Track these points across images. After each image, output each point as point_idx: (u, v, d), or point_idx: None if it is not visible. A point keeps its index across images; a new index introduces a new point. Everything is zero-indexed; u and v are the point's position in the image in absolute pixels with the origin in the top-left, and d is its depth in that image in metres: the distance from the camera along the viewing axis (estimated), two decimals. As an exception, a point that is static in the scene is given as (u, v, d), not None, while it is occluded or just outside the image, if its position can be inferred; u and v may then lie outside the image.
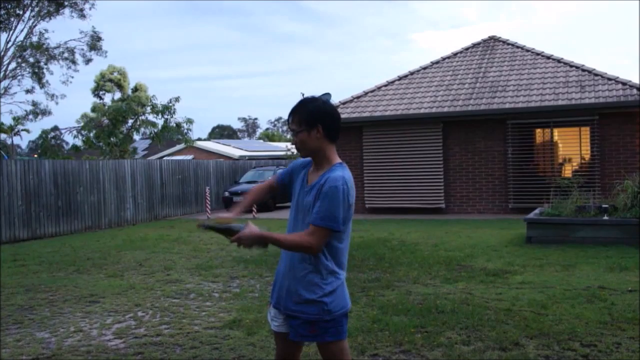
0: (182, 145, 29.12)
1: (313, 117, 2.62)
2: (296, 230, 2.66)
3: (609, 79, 14.99)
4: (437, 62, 18.42)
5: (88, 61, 30.22)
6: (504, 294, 6.17)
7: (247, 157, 30.71)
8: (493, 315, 5.34)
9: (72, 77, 36.58)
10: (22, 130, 38.26)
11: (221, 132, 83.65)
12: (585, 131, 14.80)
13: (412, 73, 18.20)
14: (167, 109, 21.67)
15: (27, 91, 30.68)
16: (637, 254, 8.11)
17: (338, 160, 2.69)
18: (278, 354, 2.88)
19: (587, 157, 14.86)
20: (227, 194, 19.27)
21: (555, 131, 15.46)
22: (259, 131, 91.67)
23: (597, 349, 4.39)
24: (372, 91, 17.63)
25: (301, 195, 2.70)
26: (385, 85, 17.80)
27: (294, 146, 2.75)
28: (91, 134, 22.45)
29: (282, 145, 36.18)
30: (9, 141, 40.89)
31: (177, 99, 21.93)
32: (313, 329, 2.64)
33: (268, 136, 69.22)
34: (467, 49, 18.67)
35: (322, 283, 2.62)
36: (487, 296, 6.12)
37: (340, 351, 2.69)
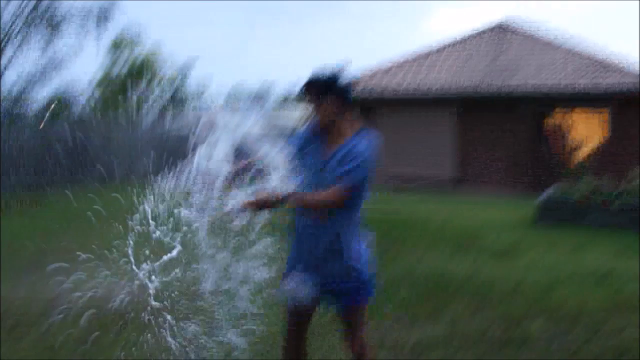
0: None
1: (325, 87, 2.65)
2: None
3: (628, 66, 14.75)
4: (451, 43, 18.01)
5: (103, 22, 29.75)
6: (511, 273, 6.16)
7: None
8: (499, 293, 5.33)
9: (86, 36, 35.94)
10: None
11: (238, 98, 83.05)
12: (602, 116, 14.65)
13: (426, 53, 17.84)
14: (186, 69, 21.46)
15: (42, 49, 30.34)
16: (647, 240, 8.04)
17: (360, 125, 2.71)
18: (293, 331, 2.87)
19: (603, 141, 14.72)
20: None
21: (572, 114, 15.29)
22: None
23: (602, 331, 4.38)
24: (387, 69, 17.36)
25: (323, 165, 2.66)
26: (398, 65, 17.51)
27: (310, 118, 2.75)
28: (106, 90, 22.34)
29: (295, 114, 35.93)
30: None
31: (195, 59, 21.83)
32: (359, 293, 2.75)
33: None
34: (483, 30, 18.22)
35: (361, 246, 2.76)
36: (494, 274, 6.10)
37: (365, 313, 2.85)
